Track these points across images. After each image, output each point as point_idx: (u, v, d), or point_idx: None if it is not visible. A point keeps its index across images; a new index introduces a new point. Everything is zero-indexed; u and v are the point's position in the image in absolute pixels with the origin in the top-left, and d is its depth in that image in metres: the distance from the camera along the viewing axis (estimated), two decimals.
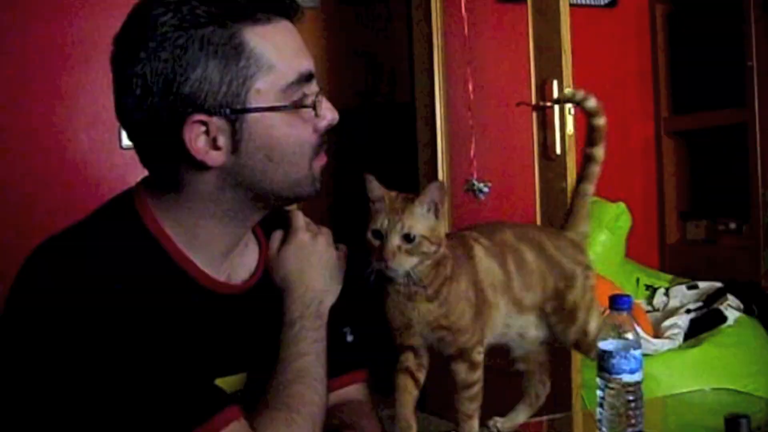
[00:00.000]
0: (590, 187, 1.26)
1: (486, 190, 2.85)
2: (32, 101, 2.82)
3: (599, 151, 1.24)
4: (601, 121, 1.23)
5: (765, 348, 2.86)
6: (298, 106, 1.03)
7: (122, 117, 1.03)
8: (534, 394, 1.26)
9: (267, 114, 1.01)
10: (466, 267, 1.12)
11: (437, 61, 3.20)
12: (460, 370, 1.12)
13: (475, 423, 1.15)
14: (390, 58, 4.57)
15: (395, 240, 1.04)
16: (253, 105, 1.00)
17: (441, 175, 3.21)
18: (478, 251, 1.14)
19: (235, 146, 1.01)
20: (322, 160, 1.10)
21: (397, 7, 4.23)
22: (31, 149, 2.82)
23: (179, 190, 1.05)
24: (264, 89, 1.00)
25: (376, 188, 1.08)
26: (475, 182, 2.88)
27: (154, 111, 1.00)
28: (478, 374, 1.12)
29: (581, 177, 1.26)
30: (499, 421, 1.24)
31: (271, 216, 1.16)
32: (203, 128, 1.00)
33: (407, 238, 1.04)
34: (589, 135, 1.25)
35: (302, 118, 1.04)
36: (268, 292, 1.14)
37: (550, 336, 1.22)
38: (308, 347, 1.09)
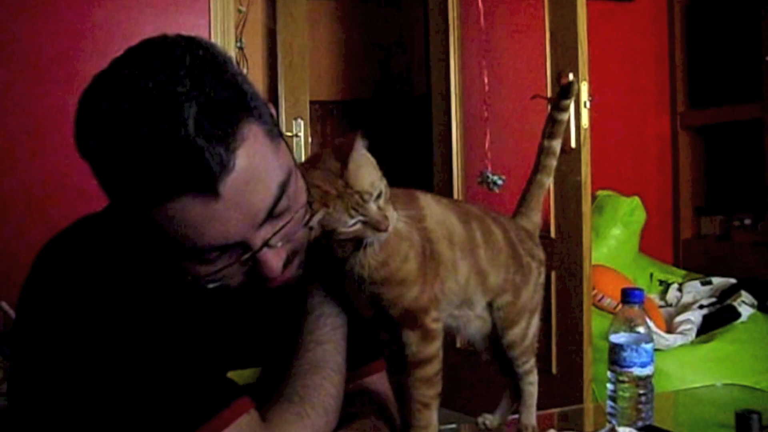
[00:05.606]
0: (547, 180, 1.20)
1: (500, 182, 2.84)
2: (45, 94, 2.82)
3: (557, 145, 1.20)
4: (565, 116, 1.20)
5: None
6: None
7: None
8: (513, 384, 1.13)
9: None
10: (409, 211, 0.96)
11: (453, 52, 3.20)
12: (411, 339, 0.95)
13: (433, 415, 0.97)
14: (406, 49, 4.56)
15: (374, 207, 0.89)
16: None
17: (455, 167, 3.21)
18: (426, 200, 0.99)
19: None
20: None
21: None
22: (44, 145, 2.81)
23: None
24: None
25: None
26: (489, 174, 2.87)
27: None
28: (434, 348, 0.96)
29: (538, 168, 1.20)
30: (488, 418, 1.15)
31: None
32: None
33: (379, 196, 0.90)
34: (549, 127, 1.21)
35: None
36: None
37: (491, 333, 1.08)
38: (327, 335, 1.04)
